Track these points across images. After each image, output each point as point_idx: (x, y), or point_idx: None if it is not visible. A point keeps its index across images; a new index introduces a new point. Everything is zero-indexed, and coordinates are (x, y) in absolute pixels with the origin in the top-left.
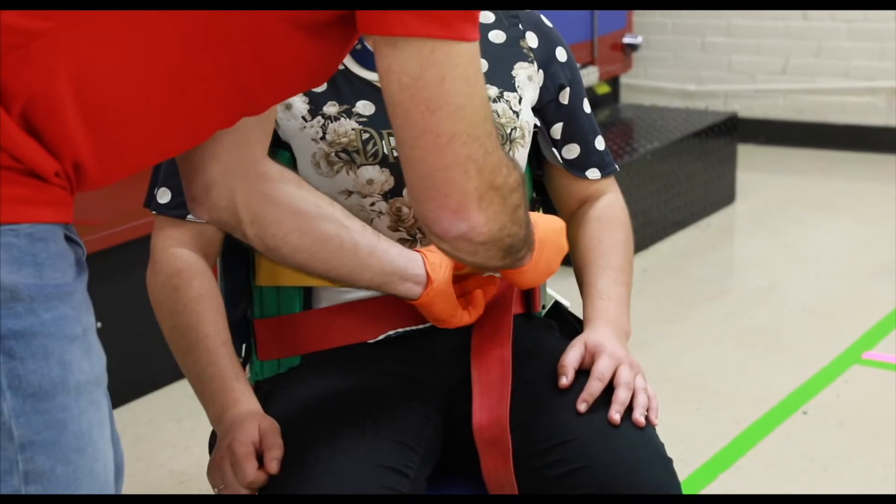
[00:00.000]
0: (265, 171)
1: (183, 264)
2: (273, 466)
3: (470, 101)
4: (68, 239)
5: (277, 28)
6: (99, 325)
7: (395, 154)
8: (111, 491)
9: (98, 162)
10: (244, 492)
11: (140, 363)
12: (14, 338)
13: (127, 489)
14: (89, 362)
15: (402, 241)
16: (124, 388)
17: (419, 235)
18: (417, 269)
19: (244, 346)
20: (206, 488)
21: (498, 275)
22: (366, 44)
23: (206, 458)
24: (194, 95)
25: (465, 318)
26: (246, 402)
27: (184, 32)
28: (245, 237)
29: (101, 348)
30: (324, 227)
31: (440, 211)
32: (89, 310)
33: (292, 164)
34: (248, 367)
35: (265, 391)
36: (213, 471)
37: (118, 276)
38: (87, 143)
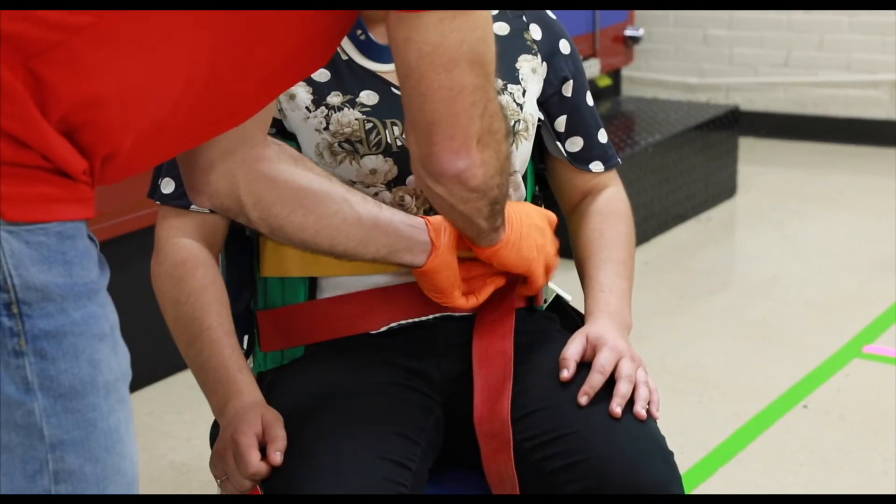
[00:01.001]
0: (263, 153)
1: (187, 254)
2: (276, 458)
3: (483, 56)
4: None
5: (291, 19)
6: None
7: (399, 143)
8: (137, 486)
9: (129, 159)
10: (247, 483)
11: (142, 354)
12: (46, 338)
13: None
14: (117, 360)
15: None
16: None
17: None
18: (422, 235)
19: (247, 337)
20: (207, 480)
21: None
22: (369, 34)
23: (207, 449)
24: (226, 93)
25: (462, 300)
26: (249, 392)
27: (219, 29)
28: (249, 220)
29: (125, 345)
30: (326, 202)
31: (443, 152)
32: (113, 307)
33: None
34: (251, 359)
35: (268, 382)
36: (216, 461)
37: (122, 267)
38: (125, 142)
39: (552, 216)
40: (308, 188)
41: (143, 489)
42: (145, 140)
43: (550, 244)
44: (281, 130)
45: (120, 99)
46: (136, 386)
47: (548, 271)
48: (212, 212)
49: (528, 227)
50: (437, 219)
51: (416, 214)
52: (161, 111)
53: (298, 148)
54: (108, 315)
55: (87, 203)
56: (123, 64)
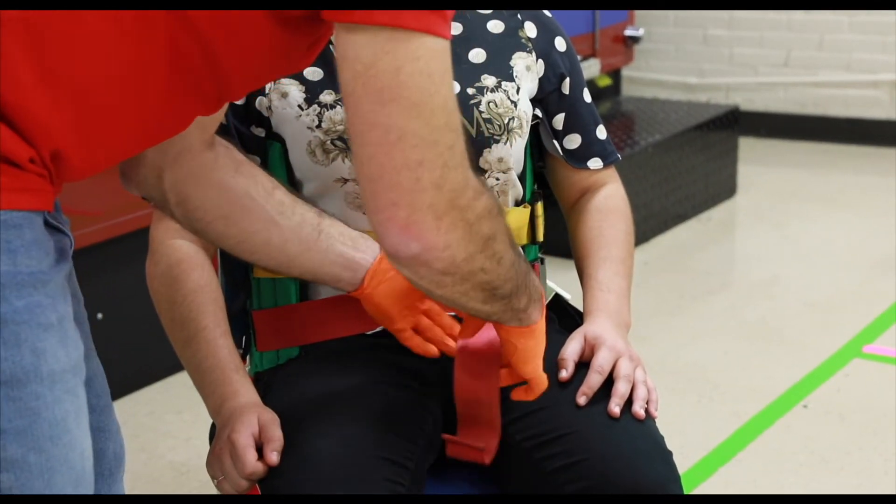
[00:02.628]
0: (201, 154)
1: (182, 255)
2: (272, 458)
3: (429, 99)
4: (52, 227)
5: (249, 17)
6: (100, 316)
7: None
8: (90, 480)
9: (78, 150)
10: (244, 483)
11: (140, 354)
12: None
13: (127, 480)
14: (65, 351)
15: None
16: (125, 380)
17: None
18: (357, 273)
19: (244, 337)
20: (206, 479)
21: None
22: None
23: (206, 449)
24: (164, 82)
25: (410, 338)
26: (245, 393)
27: (153, 15)
28: (174, 216)
29: (79, 336)
30: (251, 219)
31: (388, 224)
32: (66, 299)
33: (283, 155)
34: (247, 359)
35: (264, 383)
36: (213, 462)
37: (118, 268)
38: (64, 131)
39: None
40: (236, 201)
41: (143, 489)
42: (93, 134)
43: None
44: (266, 131)
45: (44, 88)
46: (135, 386)
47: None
48: None
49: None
50: (388, 266)
51: None
52: (95, 102)
53: (284, 149)
54: (56, 306)
55: (38, 194)
56: (43, 54)
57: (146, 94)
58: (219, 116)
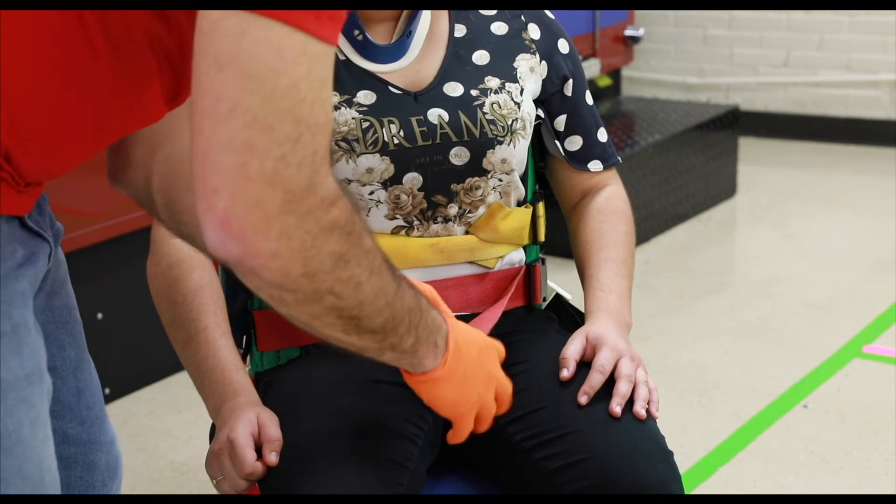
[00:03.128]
0: (189, 161)
1: (183, 255)
2: (271, 458)
3: (272, 76)
4: (30, 231)
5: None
6: (99, 316)
7: (395, 141)
8: (49, 491)
9: (28, 150)
10: (242, 483)
11: (141, 354)
12: None
13: (127, 480)
14: (18, 360)
15: (398, 228)
16: (125, 379)
17: (416, 223)
18: None
19: (244, 337)
20: (207, 479)
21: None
22: (367, 35)
23: (206, 449)
24: (113, 74)
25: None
26: (245, 393)
27: (86, 14)
28: (161, 220)
29: (40, 344)
30: None
31: (208, 215)
32: (25, 305)
33: None
34: (248, 359)
35: (265, 383)
36: (212, 462)
37: (119, 268)
38: (4, 131)
39: (501, 351)
40: None
41: (142, 489)
42: (36, 134)
43: (491, 392)
44: None
45: None
46: (135, 386)
47: (479, 420)
48: None
49: (474, 367)
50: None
51: (411, 214)
52: (31, 102)
53: None
54: (10, 313)
55: None
56: None
57: (87, 89)
58: None
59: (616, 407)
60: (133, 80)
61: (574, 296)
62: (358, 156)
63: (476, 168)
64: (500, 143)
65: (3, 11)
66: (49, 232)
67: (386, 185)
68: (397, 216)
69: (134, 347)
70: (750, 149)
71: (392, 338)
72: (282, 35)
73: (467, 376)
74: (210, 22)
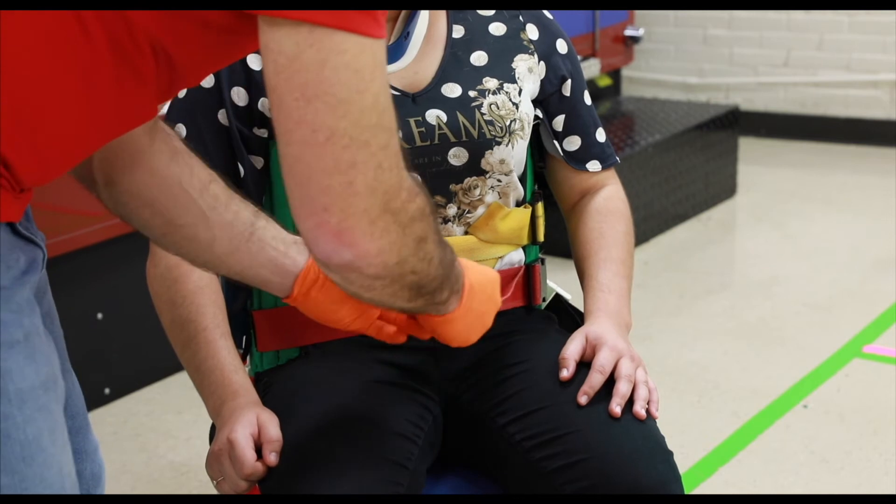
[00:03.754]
0: (134, 138)
1: None
2: (271, 458)
3: (357, 97)
4: (22, 237)
5: (183, 18)
6: (100, 316)
7: None
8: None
9: (24, 154)
10: (242, 484)
11: (141, 354)
12: None
13: (128, 480)
14: (34, 367)
15: None
16: (125, 380)
17: None
18: (286, 280)
19: (244, 337)
20: (207, 479)
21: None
22: None
23: (206, 449)
24: (113, 74)
25: (350, 324)
26: (244, 394)
27: (84, 13)
28: (100, 199)
29: (52, 350)
30: (179, 212)
31: (319, 231)
32: (33, 312)
33: None
34: (248, 359)
35: (264, 383)
36: (212, 462)
37: (118, 268)
38: (1, 136)
39: (498, 278)
40: (166, 190)
41: (142, 489)
42: (35, 138)
43: (493, 315)
44: (269, 132)
45: None
46: (136, 386)
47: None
48: None
49: (483, 304)
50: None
51: None
52: (33, 106)
53: None
54: (22, 321)
55: None
56: None
57: (91, 94)
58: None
59: (616, 407)
60: (131, 83)
61: (573, 296)
62: None
63: (474, 168)
64: (499, 143)
65: (5, 18)
66: (39, 237)
67: None
68: None
69: (134, 347)
70: (750, 149)
71: (438, 295)
72: (355, 54)
73: (480, 313)
74: (287, 58)
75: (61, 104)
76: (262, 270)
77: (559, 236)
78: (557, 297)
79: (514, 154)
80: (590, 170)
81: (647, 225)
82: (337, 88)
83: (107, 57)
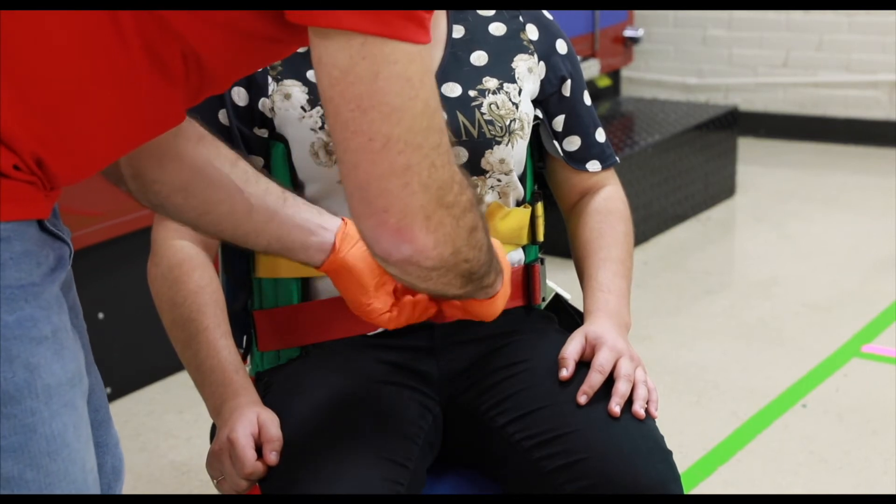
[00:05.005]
0: None
1: (184, 256)
2: (272, 458)
3: (409, 104)
4: (51, 234)
5: (219, 18)
6: (100, 315)
7: None
8: (94, 491)
9: (57, 153)
10: (243, 483)
11: (141, 354)
12: None
13: (128, 480)
14: (61, 364)
15: None
16: (126, 379)
17: None
18: (326, 235)
19: (245, 337)
20: (207, 479)
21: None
22: None
23: (207, 449)
24: (145, 76)
25: (382, 314)
26: (245, 393)
27: (119, 14)
28: (129, 192)
29: (78, 346)
30: (214, 189)
31: (379, 230)
32: (62, 309)
33: (286, 156)
34: (248, 359)
35: (265, 382)
36: (212, 462)
37: (119, 268)
38: (36, 134)
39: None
40: (198, 172)
41: (143, 489)
42: (70, 140)
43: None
44: (270, 132)
45: (12, 92)
46: (136, 386)
47: None
48: None
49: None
50: (354, 228)
51: None
52: (65, 108)
53: (287, 150)
54: (51, 318)
55: (28, 202)
56: (8, 58)
57: (124, 95)
58: None
59: (615, 406)
60: (162, 86)
61: (573, 296)
62: None
63: (474, 168)
64: (499, 143)
65: (43, 19)
66: (65, 233)
67: None
68: None
69: (135, 347)
70: (749, 149)
71: (486, 279)
72: (405, 63)
73: (505, 288)
74: (341, 71)
75: (96, 106)
76: (302, 232)
77: (559, 236)
78: (557, 296)
79: (513, 154)
80: (589, 170)
81: (647, 225)
82: (390, 97)
83: (140, 60)
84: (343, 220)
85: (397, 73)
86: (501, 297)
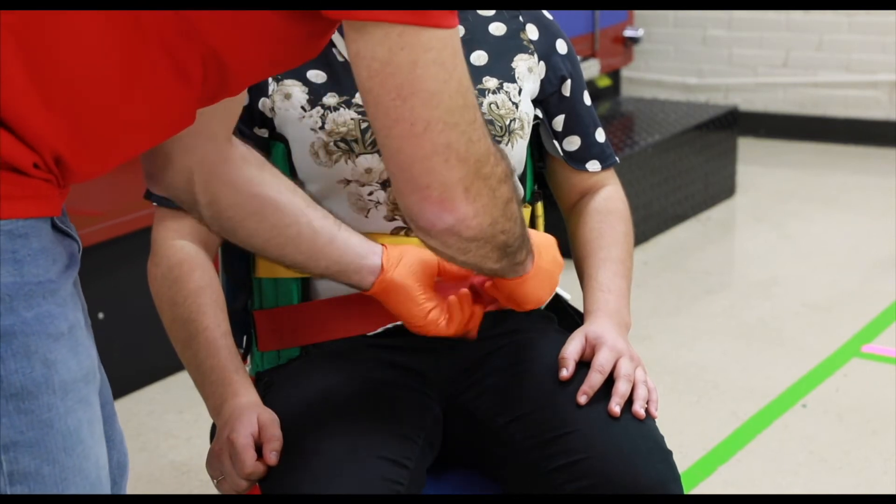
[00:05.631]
0: (227, 154)
1: (184, 256)
2: (272, 458)
3: (445, 86)
4: (61, 231)
5: (251, 15)
6: (101, 315)
7: None
8: (105, 488)
9: (76, 151)
10: (243, 483)
11: (141, 354)
12: None
13: (128, 480)
14: (76, 360)
15: (398, 229)
16: (126, 379)
17: None
18: (374, 258)
19: (245, 337)
20: (207, 479)
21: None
22: None
23: (207, 449)
24: (167, 78)
25: (440, 325)
26: (245, 393)
27: (144, 16)
28: (201, 217)
29: (92, 343)
30: (283, 213)
31: (423, 203)
32: (77, 305)
33: (286, 156)
34: (248, 359)
35: (265, 382)
36: (212, 462)
37: (119, 268)
38: (59, 132)
39: (554, 241)
40: (267, 196)
41: (143, 489)
42: (91, 137)
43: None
44: (270, 132)
45: (36, 88)
46: (136, 386)
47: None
48: None
49: (551, 264)
50: (396, 250)
51: None
52: (88, 105)
53: (287, 150)
54: (67, 314)
55: (44, 200)
56: (34, 55)
57: (145, 96)
58: (238, 112)
59: (615, 406)
60: (180, 89)
61: (573, 296)
62: (357, 156)
63: None
64: (498, 143)
65: (71, 20)
66: (73, 230)
67: (385, 185)
68: (397, 217)
69: (135, 347)
70: (749, 149)
71: (518, 255)
72: (439, 49)
73: (549, 272)
74: (381, 63)
75: (118, 107)
76: (354, 256)
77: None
78: (557, 297)
79: (513, 154)
80: (589, 170)
81: (647, 225)
82: (428, 83)
83: (160, 63)
84: (384, 244)
85: (433, 60)
86: (534, 278)
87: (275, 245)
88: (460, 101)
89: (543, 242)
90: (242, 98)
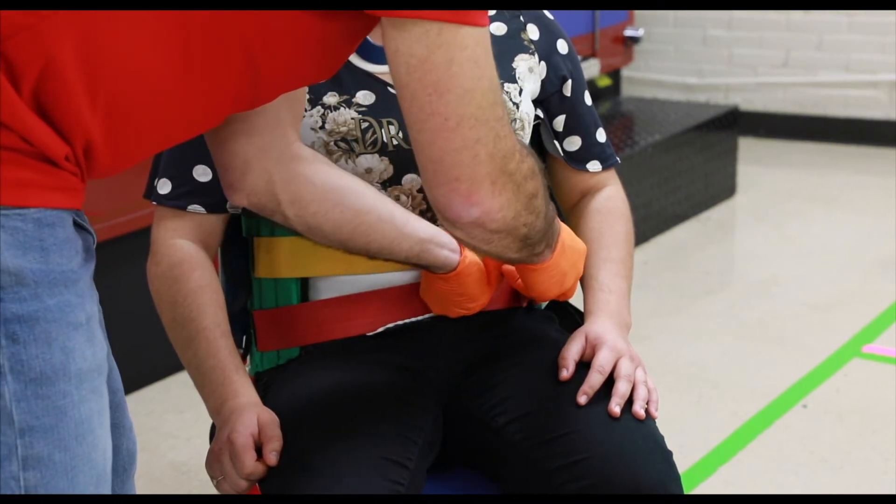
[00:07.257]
0: (299, 153)
1: (183, 255)
2: (271, 458)
3: (478, 83)
4: (78, 226)
5: (291, 18)
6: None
7: (395, 142)
8: (108, 480)
9: (107, 146)
10: (243, 483)
11: (141, 354)
12: (18, 322)
13: None
14: (92, 350)
15: None
16: (125, 380)
17: None
18: (446, 236)
19: (244, 337)
20: (207, 479)
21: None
22: (367, 36)
23: (207, 449)
24: (201, 79)
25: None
26: (245, 393)
27: (191, 16)
28: (285, 219)
29: (104, 337)
30: (363, 200)
31: (452, 196)
32: (94, 298)
33: None
34: (248, 359)
35: (265, 383)
36: (212, 462)
37: (119, 267)
38: (96, 125)
39: (585, 248)
40: (345, 186)
41: (143, 489)
42: (122, 132)
43: (574, 282)
44: None
45: (84, 80)
46: (136, 386)
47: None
48: (210, 213)
49: (570, 265)
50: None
51: None
52: (130, 98)
53: None
54: (85, 305)
55: (71, 192)
56: (86, 46)
57: (182, 95)
58: (301, 109)
59: (615, 407)
60: (215, 88)
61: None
62: (357, 156)
63: None
64: None
65: (118, 19)
66: (87, 222)
67: (385, 185)
68: None
69: (134, 347)
70: (749, 149)
71: (537, 247)
72: (473, 47)
73: (562, 272)
74: (419, 59)
75: (153, 104)
76: (432, 232)
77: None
78: None
79: None
80: (590, 170)
81: (647, 225)
82: (463, 80)
83: (199, 66)
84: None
85: (468, 57)
86: (546, 270)
87: (361, 233)
88: (491, 98)
89: (571, 245)
90: (303, 95)
